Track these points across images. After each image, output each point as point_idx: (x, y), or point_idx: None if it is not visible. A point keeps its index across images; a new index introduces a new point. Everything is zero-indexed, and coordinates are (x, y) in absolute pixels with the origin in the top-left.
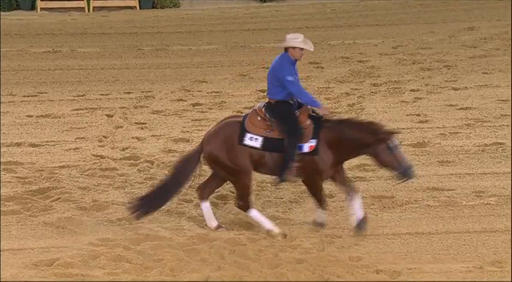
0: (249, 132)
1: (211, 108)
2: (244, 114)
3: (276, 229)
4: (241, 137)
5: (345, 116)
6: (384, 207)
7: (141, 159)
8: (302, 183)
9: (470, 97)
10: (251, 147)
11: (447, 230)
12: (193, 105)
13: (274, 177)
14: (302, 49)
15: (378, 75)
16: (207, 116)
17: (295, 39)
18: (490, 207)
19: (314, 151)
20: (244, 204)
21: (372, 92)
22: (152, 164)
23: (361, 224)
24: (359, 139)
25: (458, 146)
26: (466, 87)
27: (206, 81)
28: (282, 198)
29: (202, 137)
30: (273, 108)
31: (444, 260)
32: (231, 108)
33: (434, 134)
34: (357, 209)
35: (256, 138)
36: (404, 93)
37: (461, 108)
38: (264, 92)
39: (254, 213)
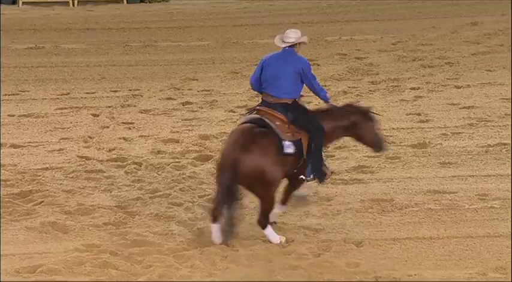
0: (283, 139)
1: (202, 107)
2: (249, 121)
3: (281, 239)
4: (281, 146)
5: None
6: (383, 210)
7: (129, 161)
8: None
9: (473, 95)
10: (289, 154)
11: (449, 235)
12: (183, 104)
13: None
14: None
15: (377, 72)
16: (198, 116)
17: (300, 34)
18: (494, 211)
19: None
20: (266, 221)
21: (371, 91)
22: (140, 166)
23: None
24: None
25: (461, 146)
26: (469, 85)
27: (197, 79)
28: (276, 201)
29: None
30: (292, 108)
31: (446, 266)
32: (223, 108)
33: (436, 134)
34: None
35: (289, 145)
36: (404, 91)
37: (464, 107)
38: None
39: (269, 230)
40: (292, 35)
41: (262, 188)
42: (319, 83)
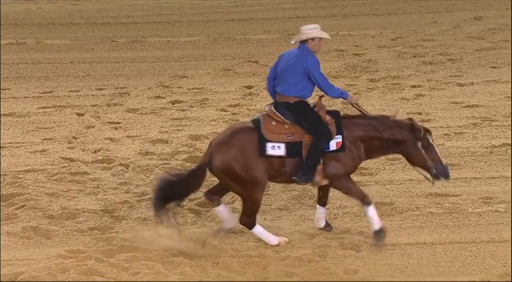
0: (269, 141)
1: (192, 106)
2: (251, 120)
3: (280, 240)
4: (263, 147)
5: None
6: (382, 214)
7: (115, 163)
8: (309, 186)
9: (477, 94)
10: (274, 156)
11: (452, 240)
12: (173, 102)
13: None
14: (321, 39)
15: (376, 69)
16: (188, 115)
17: (314, 30)
18: (499, 215)
19: (341, 148)
20: (251, 220)
21: (369, 88)
22: (127, 168)
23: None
24: (393, 136)
25: (464, 147)
26: (472, 82)
27: (187, 77)
28: (271, 205)
29: (206, 146)
30: (292, 108)
31: (448, 272)
32: (214, 106)
33: (438, 134)
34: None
35: (278, 146)
36: (404, 89)
37: (467, 106)
38: (250, 88)
39: (259, 230)
40: (306, 31)
41: (237, 185)
42: (328, 80)
